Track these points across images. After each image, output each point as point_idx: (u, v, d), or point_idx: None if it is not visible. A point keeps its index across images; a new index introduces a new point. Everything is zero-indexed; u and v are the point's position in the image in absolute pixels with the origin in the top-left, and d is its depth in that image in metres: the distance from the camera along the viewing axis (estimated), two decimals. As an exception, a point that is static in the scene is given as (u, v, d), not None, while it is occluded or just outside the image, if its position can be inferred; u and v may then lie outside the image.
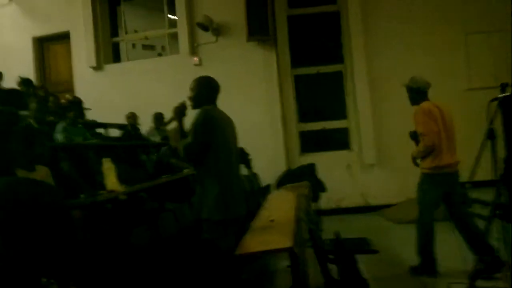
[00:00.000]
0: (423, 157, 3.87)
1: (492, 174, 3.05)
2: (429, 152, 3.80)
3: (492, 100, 2.72)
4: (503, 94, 2.73)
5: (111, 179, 3.53)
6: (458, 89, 7.14)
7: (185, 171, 4.94)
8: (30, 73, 8.25)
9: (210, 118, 2.78)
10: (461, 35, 7.41)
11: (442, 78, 7.11)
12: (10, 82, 6.90)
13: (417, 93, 3.95)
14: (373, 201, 7.35)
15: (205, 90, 2.94)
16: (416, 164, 3.96)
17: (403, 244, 4.76)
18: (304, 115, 8.02)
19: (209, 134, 2.75)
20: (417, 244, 3.91)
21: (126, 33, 8.82)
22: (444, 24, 7.41)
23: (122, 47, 8.86)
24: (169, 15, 8.63)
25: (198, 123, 2.75)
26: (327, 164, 7.12)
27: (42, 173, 3.35)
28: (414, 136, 3.95)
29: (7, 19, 8.83)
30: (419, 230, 3.91)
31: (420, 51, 7.35)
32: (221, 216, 2.78)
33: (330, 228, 5.49)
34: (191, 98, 2.95)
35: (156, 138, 6.64)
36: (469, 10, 7.38)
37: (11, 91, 6.48)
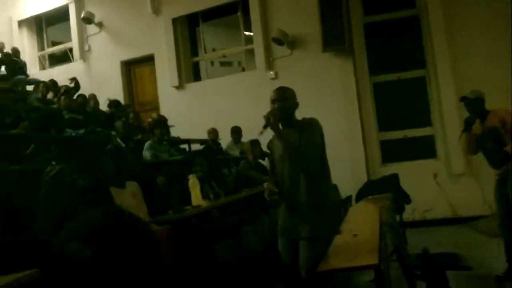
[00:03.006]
0: None
1: None
2: None
3: None
4: None
5: (196, 195, 3.67)
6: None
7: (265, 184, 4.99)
8: (119, 94, 8.91)
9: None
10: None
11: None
12: (103, 105, 7.51)
13: (483, 103, 4.08)
14: (463, 213, 6.89)
15: (297, 100, 2.83)
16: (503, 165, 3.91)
17: (498, 259, 4.41)
18: (384, 124, 7.77)
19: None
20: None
21: (205, 52, 9.18)
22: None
23: (202, 65, 9.24)
24: (245, 32, 8.85)
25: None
26: (411, 174, 6.80)
27: (132, 188, 3.58)
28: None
29: (98, 46, 9.62)
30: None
31: (506, 51, 6.81)
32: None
33: (415, 241, 5.26)
34: (286, 108, 2.72)
35: (235, 152, 6.80)
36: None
37: (107, 113, 7.03)
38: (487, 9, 7.06)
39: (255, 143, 5.86)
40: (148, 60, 9.15)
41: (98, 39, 9.64)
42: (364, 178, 7.08)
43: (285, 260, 2.78)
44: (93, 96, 7.36)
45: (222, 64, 9.60)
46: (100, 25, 9.55)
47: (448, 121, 7.12)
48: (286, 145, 2.62)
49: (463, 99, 4.16)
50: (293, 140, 2.63)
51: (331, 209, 2.78)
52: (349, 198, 6.41)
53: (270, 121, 2.58)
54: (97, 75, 9.44)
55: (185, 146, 7.12)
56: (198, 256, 3.03)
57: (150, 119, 6.65)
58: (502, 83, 6.50)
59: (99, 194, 3.22)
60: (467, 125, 4.09)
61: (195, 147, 7.36)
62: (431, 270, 3.07)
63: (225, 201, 4.08)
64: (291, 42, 7.91)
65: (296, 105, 2.77)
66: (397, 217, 5.74)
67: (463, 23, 7.20)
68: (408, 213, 6.50)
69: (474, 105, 4.06)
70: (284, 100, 2.70)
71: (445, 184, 7.08)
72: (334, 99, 7.50)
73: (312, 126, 2.68)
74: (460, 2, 7.25)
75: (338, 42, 7.49)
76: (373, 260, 2.73)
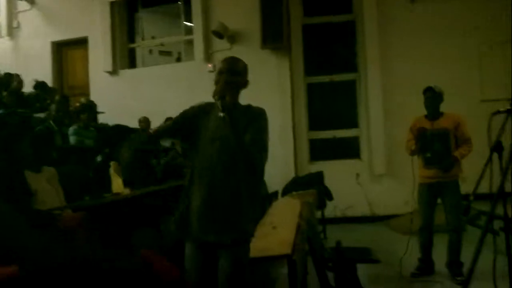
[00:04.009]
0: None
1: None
2: None
3: (495, 114, 2.67)
4: (506, 108, 2.68)
5: (117, 182, 3.61)
6: (471, 101, 7.04)
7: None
8: (48, 76, 8.49)
9: None
10: (474, 47, 7.34)
11: (455, 89, 7.01)
12: (29, 86, 7.13)
13: (442, 101, 4.10)
14: (380, 211, 7.31)
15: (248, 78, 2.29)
16: (449, 170, 3.99)
17: (407, 254, 4.72)
18: (315, 123, 8.03)
19: None
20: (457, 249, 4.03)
21: (143, 39, 8.98)
22: (458, 36, 7.33)
23: (139, 53, 9.03)
24: (185, 22, 8.76)
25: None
26: (336, 173, 7.11)
27: (49, 173, 3.45)
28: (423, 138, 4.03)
29: (28, 24, 9.10)
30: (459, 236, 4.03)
31: (434, 62, 7.27)
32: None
33: (334, 236, 5.49)
34: (234, 83, 2.18)
35: (167, 143, 6.72)
36: (484, 21, 7.29)
37: (32, 95, 6.69)
38: (419, 21, 7.50)
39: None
40: (81, 42, 8.80)
41: (28, 16, 9.14)
42: (292, 175, 7.28)
43: (192, 273, 2.17)
44: (17, 76, 6.96)
45: (161, 53, 9.43)
46: (31, 1, 9.06)
47: (373, 124, 7.49)
48: (236, 131, 2.04)
49: (428, 89, 4.08)
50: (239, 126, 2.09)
51: (260, 208, 2.61)
52: (275, 193, 6.57)
53: (219, 94, 2.03)
54: (25, 54, 8.93)
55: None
56: (115, 243, 2.98)
57: (77, 104, 6.42)
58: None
59: (12, 176, 3.10)
60: (432, 115, 4.09)
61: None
62: (341, 262, 3.25)
63: (148, 191, 4.04)
64: (231, 36, 7.94)
65: (246, 83, 2.25)
66: (319, 213, 5.98)
67: (397, 31, 7.58)
68: (330, 210, 6.78)
69: (437, 100, 4.05)
70: (234, 74, 2.18)
71: (366, 184, 7.48)
72: (269, 96, 7.61)
73: (263, 119, 2.23)
74: (395, 10, 7.63)
75: (276, 40, 7.61)
76: (287, 250, 2.84)
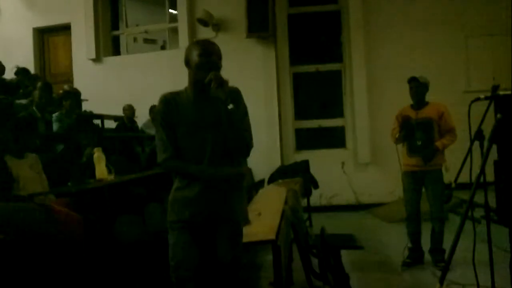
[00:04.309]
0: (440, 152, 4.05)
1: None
2: None
3: (474, 101, 2.70)
4: (485, 96, 2.70)
5: (100, 168, 3.58)
6: (456, 91, 7.11)
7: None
8: (30, 63, 8.31)
9: None
10: (460, 37, 7.42)
11: (440, 79, 7.08)
12: (11, 73, 6.97)
13: (427, 91, 4.13)
14: (365, 200, 7.39)
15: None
16: (431, 159, 4.03)
17: (390, 242, 4.80)
18: (300, 113, 8.05)
19: None
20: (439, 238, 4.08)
21: (127, 26, 8.85)
22: (444, 26, 7.40)
23: (123, 40, 8.90)
24: (170, 10, 8.66)
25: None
26: (321, 162, 7.15)
27: (31, 160, 3.41)
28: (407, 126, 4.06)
29: (8, 9, 8.89)
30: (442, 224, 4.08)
31: (420, 52, 7.34)
32: None
33: (320, 224, 5.54)
34: (218, 67, 2.10)
35: (152, 131, 6.67)
36: (469, 12, 7.38)
37: (14, 81, 6.56)
38: (405, 11, 7.54)
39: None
40: (64, 29, 8.62)
41: (9, 2, 8.90)
42: (278, 163, 7.31)
43: (186, 263, 2.08)
44: (-3, 62, 6.81)
45: (146, 41, 9.31)
46: (12, -14, 8.82)
47: (358, 113, 7.54)
48: (238, 117, 2.04)
49: (413, 79, 4.09)
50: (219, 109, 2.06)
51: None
52: (262, 181, 6.59)
53: (219, 81, 1.99)
54: (5, 40, 8.70)
55: (98, 121, 6.84)
56: (98, 230, 2.96)
57: (60, 91, 6.30)
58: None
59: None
60: (417, 105, 4.11)
61: (109, 123, 7.10)
62: (326, 248, 3.27)
63: (131, 178, 4.01)
64: (216, 25, 7.88)
65: (220, 66, 2.13)
66: (305, 201, 6.02)
67: (381, 22, 7.61)
68: (316, 198, 6.83)
69: (421, 90, 4.07)
70: (220, 58, 2.12)
71: (351, 173, 7.54)
72: (254, 85, 7.60)
73: (242, 98, 2.19)
74: (380, 0, 7.65)
75: (262, 29, 7.59)
76: (271, 235, 2.86)
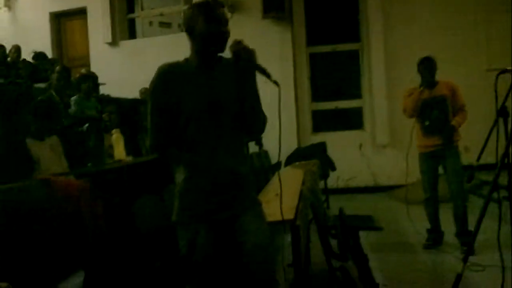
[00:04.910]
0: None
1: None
2: None
3: (501, 73, 2.61)
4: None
5: (119, 149, 3.61)
6: (478, 70, 6.96)
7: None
8: (47, 47, 8.39)
9: None
10: (481, 15, 7.21)
11: (461, 58, 7.00)
12: (28, 57, 7.05)
13: (436, 68, 4.06)
14: (383, 182, 7.32)
15: None
16: (451, 138, 3.98)
17: (409, 224, 4.76)
18: (317, 94, 7.96)
19: None
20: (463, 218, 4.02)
21: (142, 9, 8.83)
22: (464, 5, 7.20)
23: (138, 23, 8.90)
24: (185, -8, 8.59)
25: None
26: (338, 144, 7.10)
27: (52, 141, 3.45)
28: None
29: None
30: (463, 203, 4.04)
31: (439, 31, 7.17)
32: None
33: (337, 206, 5.53)
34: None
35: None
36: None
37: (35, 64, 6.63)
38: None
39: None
40: (80, 13, 8.67)
41: (25, -13, 8.98)
42: (294, 145, 7.27)
43: (202, 256, 1.84)
44: (15, 47, 6.89)
45: (161, 24, 9.29)
46: (28, -28, 8.87)
47: (376, 94, 7.44)
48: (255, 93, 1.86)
49: (427, 59, 4.03)
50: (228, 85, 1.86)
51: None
52: (278, 163, 6.55)
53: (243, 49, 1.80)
54: (23, 25, 8.81)
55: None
56: (118, 211, 2.99)
57: (78, 75, 6.35)
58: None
59: (13, 143, 3.12)
60: (430, 84, 4.01)
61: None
62: (344, 228, 3.25)
63: (149, 159, 4.03)
64: (232, 6, 7.79)
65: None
66: (322, 183, 5.99)
67: (399, 1, 7.42)
68: (333, 181, 6.81)
69: (434, 69, 4.02)
70: (226, 22, 1.88)
71: (369, 155, 7.48)
72: (270, 66, 7.31)
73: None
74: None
75: (278, 9, 7.50)
76: (290, 215, 2.85)
